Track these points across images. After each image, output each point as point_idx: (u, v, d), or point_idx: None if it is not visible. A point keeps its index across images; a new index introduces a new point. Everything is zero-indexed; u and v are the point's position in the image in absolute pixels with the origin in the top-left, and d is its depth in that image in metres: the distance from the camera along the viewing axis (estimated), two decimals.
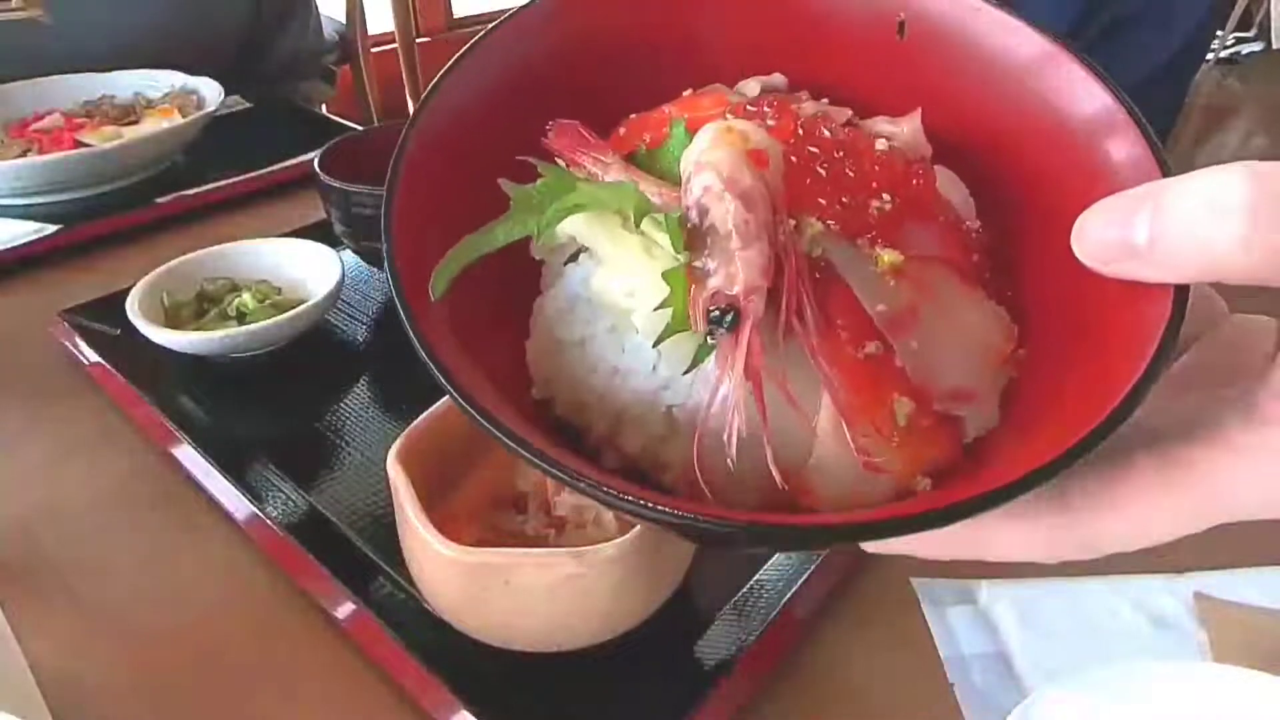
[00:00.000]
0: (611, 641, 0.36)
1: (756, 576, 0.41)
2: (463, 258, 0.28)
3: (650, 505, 0.23)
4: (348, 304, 0.65)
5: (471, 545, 0.34)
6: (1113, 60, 0.91)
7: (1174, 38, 1.01)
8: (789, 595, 0.39)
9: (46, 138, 0.86)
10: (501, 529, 0.39)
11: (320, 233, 0.66)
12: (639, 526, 0.34)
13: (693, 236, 0.26)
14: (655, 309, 0.26)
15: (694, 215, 0.26)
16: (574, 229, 0.29)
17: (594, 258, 0.30)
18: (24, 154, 0.83)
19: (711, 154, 0.27)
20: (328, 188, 0.60)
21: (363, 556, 0.43)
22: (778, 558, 0.42)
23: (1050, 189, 0.28)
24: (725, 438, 0.24)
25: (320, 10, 1.38)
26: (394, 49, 2.82)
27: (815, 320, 0.25)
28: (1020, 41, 0.31)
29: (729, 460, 0.24)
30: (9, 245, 0.73)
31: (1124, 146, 0.27)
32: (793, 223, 0.27)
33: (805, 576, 0.40)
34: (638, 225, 0.27)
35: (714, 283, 0.25)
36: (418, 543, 0.35)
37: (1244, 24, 3.04)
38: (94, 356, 0.58)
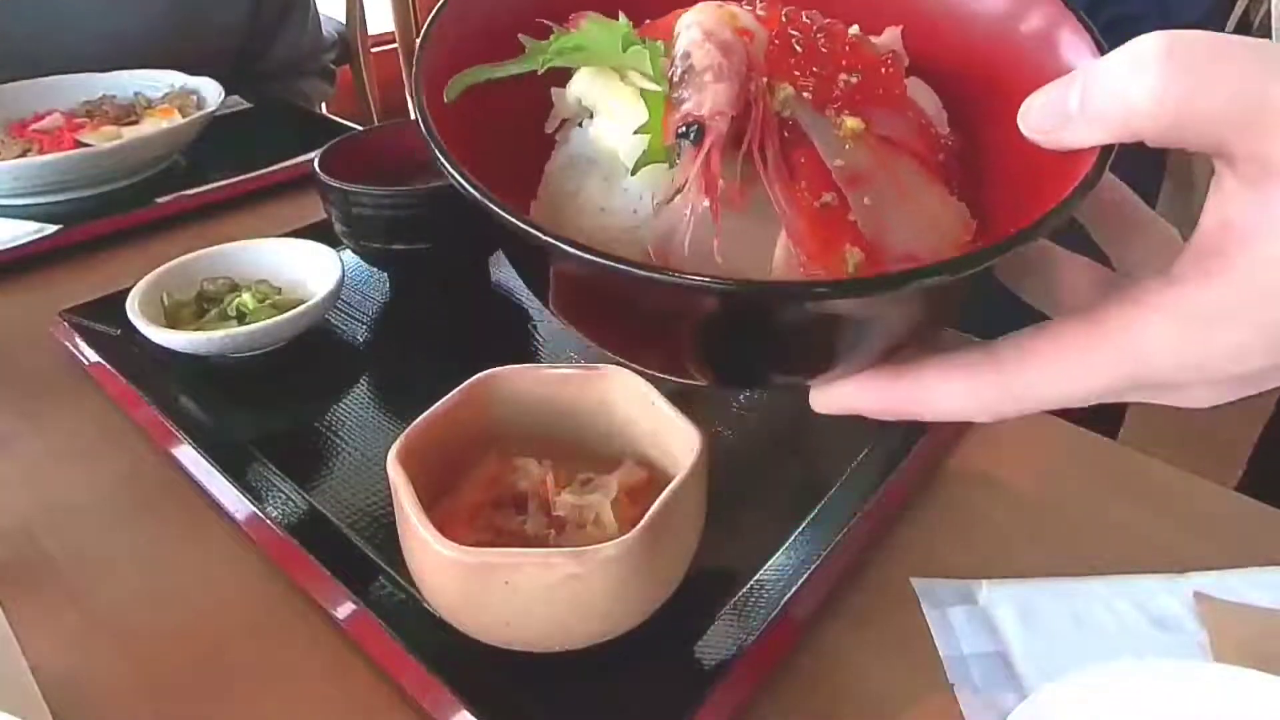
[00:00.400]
0: (611, 641, 0.36)
1: (756, 576, 0.41)
2: (476, 76, 0.31)
3: (633, 265, 0.24)
4: (348, 304, 0.65)
5: (471, 545, 0.34)
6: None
7: None
8: (789, 595, 0.39)
9: (46, 138, 0.86)
10: (501, 529, 0.39)
11: (320, 233, 0.66)
12: (639, 527, 0.34)
13: (675, 86, 0.28)
14: (635, 132, 0.29)
15: (678, 63, 0.29)
16: (579, 89, 0.32)
17: (595, 114, 0.32)
18: (24, 154, 0.83)
19: (699, 15, 0.30)
20: (328, 188, 0.60)
21: (363, 556, 0.43)
22: (778, 558, 0.42)
23: (1012, 100, 0.29)
24: (680, 240, 0.26)
25: (320, 10, 1.38)
26: (394, 49, 2.82)
27: (776, 162, 0.28)
28: None
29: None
30: (9, 245, 0.73)
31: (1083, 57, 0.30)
32: (765, 80, 0.29)
33: (805, 576, 0.40)
34: (624, 50, 0.30)
35: (685, 107, 0.28)
36: (418, 543, 0.35)
37: (1244, 24, 3.05)
38: (94, 356, 0.58)
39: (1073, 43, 0.30)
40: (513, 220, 0.25)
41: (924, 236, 0.29)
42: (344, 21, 2.28)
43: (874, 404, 0.29)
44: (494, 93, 0.31)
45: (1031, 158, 0.28)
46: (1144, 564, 0.42)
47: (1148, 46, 0.24)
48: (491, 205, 0.26)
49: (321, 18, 1.39)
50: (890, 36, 0.34)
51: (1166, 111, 0.24)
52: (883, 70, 0.31)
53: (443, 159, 0.27)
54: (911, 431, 0.50)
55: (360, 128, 0.73)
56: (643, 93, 0.29)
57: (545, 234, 0.25)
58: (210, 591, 0.44)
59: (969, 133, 0.33)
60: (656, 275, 0.24)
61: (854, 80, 0.30)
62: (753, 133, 0.28)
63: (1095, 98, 0.25)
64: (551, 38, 0.31)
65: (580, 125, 0.33)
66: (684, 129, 0.27)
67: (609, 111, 0.31)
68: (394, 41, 2.83)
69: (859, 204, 0.28)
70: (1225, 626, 0.39)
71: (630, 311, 0.29)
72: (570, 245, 0.24)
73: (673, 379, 0.33)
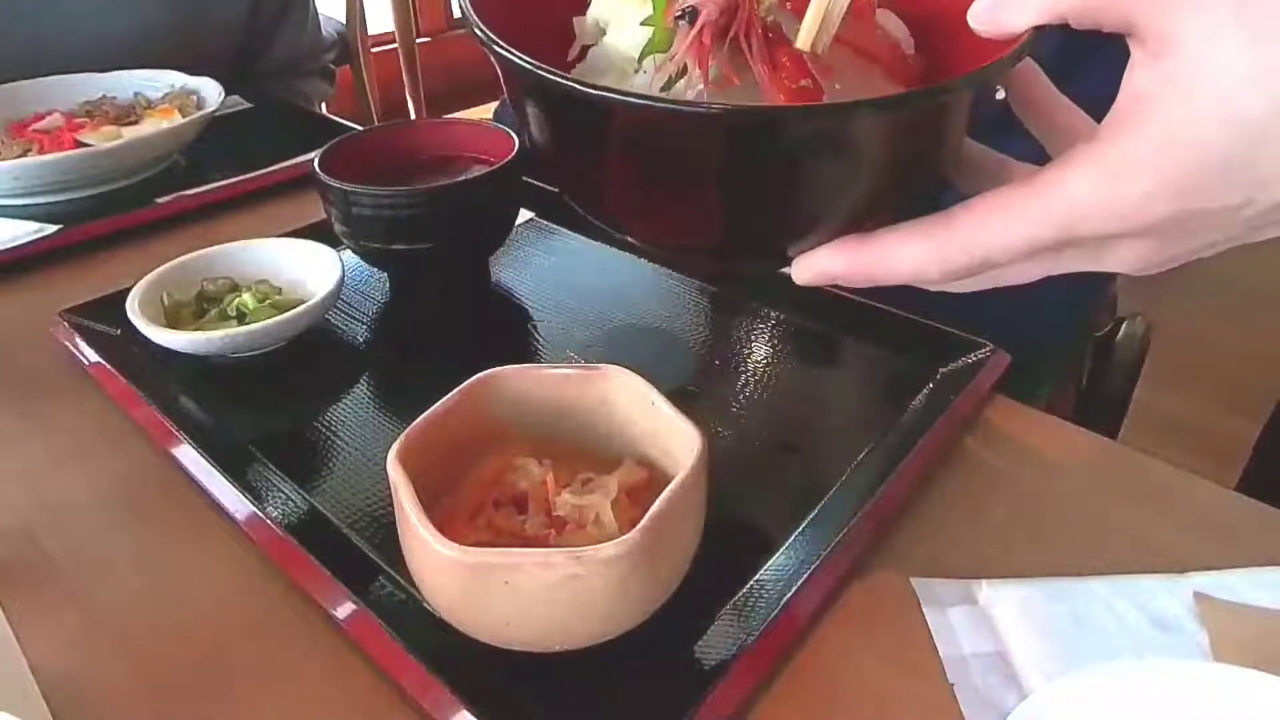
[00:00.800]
0: (611, 641, 0.36)
1: (756, 576, 0.41)
2: None
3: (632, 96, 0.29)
4: (348, 304, 0.65)
5: (471, 545, 0.34)
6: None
7: None
8: (789, 595, 0.40)
9: (46, 138, 0.86)
10: (501, 529, 0.39)
11: (320, 233, 0.66)
12: (639, 527, 0.34)
13: None
14: (641, 24, 0.34)
15: None
16: (596, 11, 0.37)
17: (608, 29, 0.37)
18: (24, 154, 0.83)
19: None
20: (328, 188, 0.60)
21: (363, 556, 0.43)
22: (778, 558, 0.42)
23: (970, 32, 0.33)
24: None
25: (320, 10, 1.37)
26: (394, 49, 2.82)
27: (760, 49, 0.32)
28: None
29: None
30: (9, 245, 0.73)
31: None
32: None
33: (805, 576, 0.40)
34: None
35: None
36: (418, 543, 0.35)
37: None
38: (94, 356, 0.58)
39: None
40: (537, 69, 0.30)
41: None
42: (344, 21, 2.28)
43: (844, 268, 0.33)
44: (521, 22, 0.35)
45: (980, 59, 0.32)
46: (1144, 564, 0.42)
47: None
48: (525, 62, 0.31)
49: (321, 18, 1.39)
50: None
51: None
52: None
53: (481, 31, 0.32)
54: (912, 431, 0.50)
55: (360, 128, 0.73)
56: None
57: (568, 80, 0.30)
58: (210, 591, 0.44)
59: (932, 61, 0.37)
60: (657, 104, 0.29)
61: None
62: (738, 26, 0.32)
63: None
64: None
65: (597, 44, 0.37)
66: (680, 13, 0.33)
67: (622, 21, 0.36)
68: (394, 41, 2.83)
69: (830, 89, 0.33)
70: (1225, 626, 0.39)
71: (636, 164, 0.33)
72: (590, 87, 0.29)
73: (677, 247, 0.42)
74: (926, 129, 0.32)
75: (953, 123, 0.33)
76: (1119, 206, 0.28)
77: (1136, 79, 0.29)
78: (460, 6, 0.34)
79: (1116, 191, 0.28)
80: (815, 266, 0.33)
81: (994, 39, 0.31)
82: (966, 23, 0.32)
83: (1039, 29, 0.30)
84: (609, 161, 0.34)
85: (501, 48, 0.32)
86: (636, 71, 0.34)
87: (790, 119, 0.30)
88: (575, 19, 0.38)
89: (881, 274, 0.32)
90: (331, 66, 1.36)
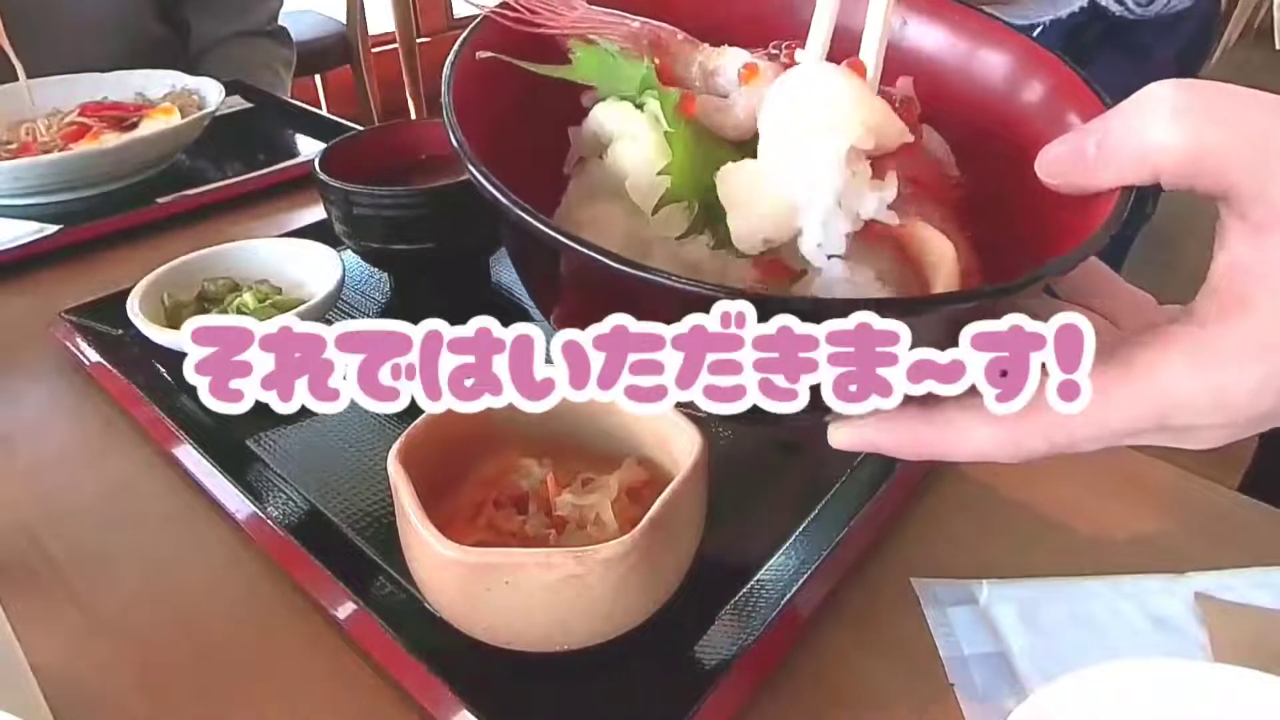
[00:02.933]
0: (611, 641, 0.36)
1: (756, 576, 0.41)
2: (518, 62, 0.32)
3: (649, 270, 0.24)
4: (348, 304, 0.65)
5: (471, 545, 0.34)
6: (1115, 59, 0.91)
7: (1177, 37, 1.01)
8: (789, 595, 0.40)
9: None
10: (501, 529, 0.39)
11: (320, 233, 0.66)
12: (639, 527, 0.34)
13: None
14: (658, 173, 0.29)
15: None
16: (599, 118, 0.32)
17: (615, 140, 0.33)
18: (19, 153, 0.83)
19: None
20: (328, 188, 0.60)
21: (363, 556, 0.43)
22: (778, 558, 0.42)
23: (1021, 152, 0.31)
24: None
25: (320, 10, 1.37)
26: (394, 49, 2.82)
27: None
28: (998, 38, 0.35)
29: None
30: (9, 245, 0.73)
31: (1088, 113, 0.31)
32: None
33: (805, 576, 0.40)
34: (640, 92, 0.31)
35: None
36: (418, 543, 0.35)
37: (1245, 25, 3.04)
38: (95, 356, 0.58)
39: (1079, 96, 0.32)
40: (536, 223, 0.26)
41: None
42: (344, 21, 2.28)
43: (898, 443, 0.29)
44: (510, 134, 0.32)
45: (1040, 204, 0.29)
46: (1144, 564, 0.42)
47: (1160, 91, 0.26)
48: (532, 217, 0.26)
49: (320, 17, 1.38)
50: (903, 84, 0.34)
51: (1182, 150, 0.25)
52: (901, 117, 0.31)
53: (481, 176, 0.27)
54: None
55: (360, 128, 0.73)
56: (666, 134, 0.29)
57: (573, 239, 0.25)
58: (210, 591, 0.44)
59: (975, 181, 0.34)
60: (676, 283, 0.24)
61: None
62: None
63: (1113, 139, 0.27)
64: (577, 52, 0.33)
65: (600, 158, 0.33)
66: None
67: (628, 136, 0.32)
68: (394, 41, 2.83)
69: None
70: (1225, 626, 0.39)
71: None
72: (606, 255, 0.24)
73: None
74: (991, 312, 0.27)
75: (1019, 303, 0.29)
76: (1224, 401, 0.26)
77: (1236, 253, 0.26)
78: (448, 133, 0.29)
79: (1222, 385, 0.26)
80: (861, 437, 0.30)
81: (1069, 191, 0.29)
82: (1006, 139, 0.31)
83: (1129, 190, 0.27)
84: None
85: (498, 189, 0.27)
86: (655, 213, 0.30)
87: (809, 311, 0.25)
88: (571, 130, 0.34)
89: (944, 452, 0.29)
90: (284, 28, 1.35)
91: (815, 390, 0.25)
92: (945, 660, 0.39)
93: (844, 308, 0.24)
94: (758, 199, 0.29)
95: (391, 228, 0.60)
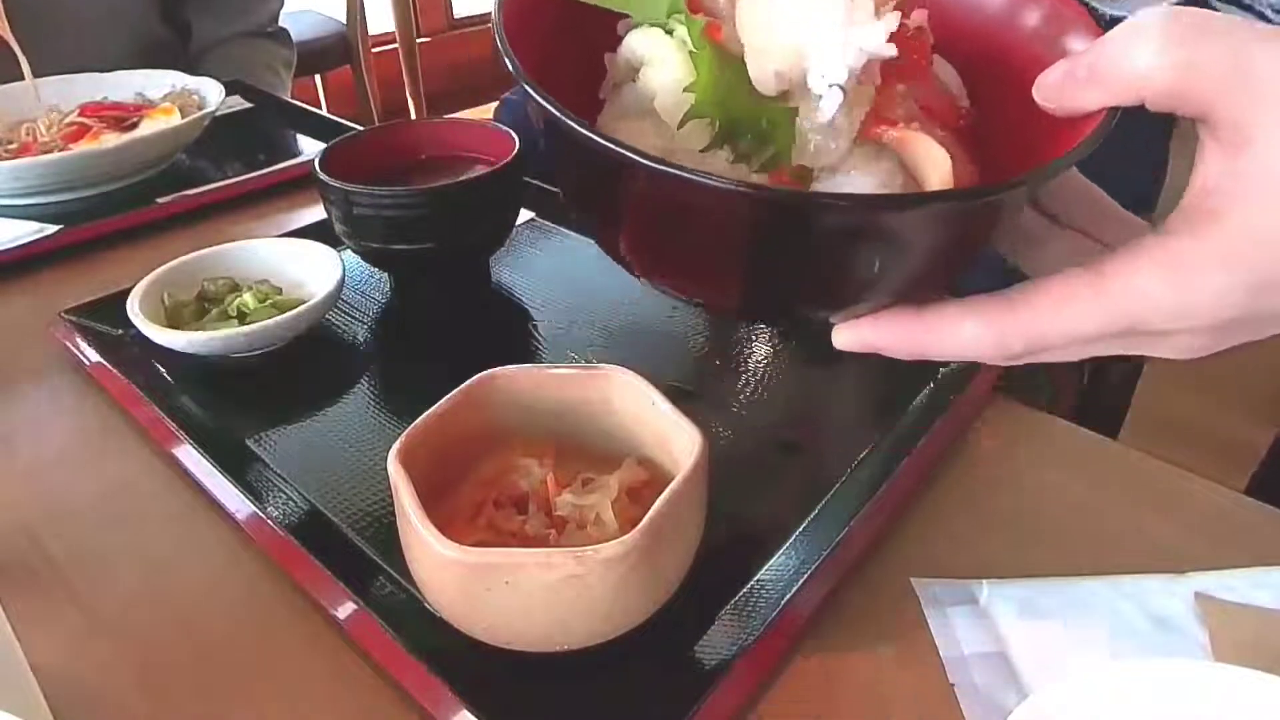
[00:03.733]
0: (611, 641, 0.36)
1: (756, 576, 0.41)
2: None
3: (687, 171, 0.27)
4: (348, 304, 0.65)
5: (472, 545, 0.34)
6: None
7: None
8: (789, 595, 0.40)
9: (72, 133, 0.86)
10: (501, 529, 0.39)
11: (320, 233, 0.66)
12: (639, 527, 0.34)
13: None
14: (684, 90, 0.31)
15: None
16: (631, 45, 0.35)
17: (645, 65, 0.35)
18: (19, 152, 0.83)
19: None
20: (328, 188, 0.60)
21: (363, 556, 0.43)
22: (778, 558, 0.42)
23: (1022, 79, 0.33)
24: None
25: (320, 10, 1.37)
26: (394, 49, 2.82)
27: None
28: None
29: None
30: (9, 245, 0.73)
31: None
32: None
33: (805, 576, 0.40)
34: (667, 15, 0.33)
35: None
36: (418, 542, 0.35)
37: None
38: (95, 356, 0.58)
39: (1075, 25, 0.34)
40: (587, 133, 0.28)
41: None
42: (344, 21, 2.28)
43: (893, 341, 0.32)
44: (552, 61, 0.33)
45: (1037, 128, 0.32)
46: (1144, 564, 0.42)
47: (1149, 19, 0.27)
48: (574, 123, 0.29)
49: (320, 17, 1.38)
50: (918, 16, 0.36)
51: (1166, 74, 0.27)
52: (914, 45, 0.34)
53: (527, 85, 0.30)
54: (912, 431, 0.50)
55: (360, 128, 0.73)
56: (691, 55, 0.32)
57: (624, 147, 0.28)
58: (210, 591, 0.44)
59: (984, 111, 0.36)
60: (712, 181, 0.27)
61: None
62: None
63: (1102, 63, 0.29)
64: None
65: (633, 81, 0.35)
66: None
67: (658, 62, 0.34)
68: (394, 41, 2.83)
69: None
70: (1225, 626, 0.39)
71: (678, 228, 0.32)
72: (645, 157, 0.27)
73: (709, 304, 0.41)
74: (984, 217, 0.31)
75: (1009, 210, 0.32)
76: (1191, 303, 0.28)
77: (1209, 172, 0.28)
78: (496, 41, 0.32)
79: (1190, 288, 0.28)
80: (860, 337, 0.32)
81: (1058, 114, 0.31)
82: (1014, 69, 0.32)
83: (1114, 110, 0.29)
84: (649, 231, 0.34)
85: (537, 93, 0.30)
86: (680, 127, 0.32)
87: (834, 208, 0.28)
88: (607, 56, 0.36)
89: (934, 349, 0.31)
90: (284, 29, 1.35)
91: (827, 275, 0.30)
92: (945, 660, 0.39)
93: (849, 201, 0.29)
94: (771, 37, 0.32)
95: (391, 228, 0.60)
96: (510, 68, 0.31)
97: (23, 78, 0.92)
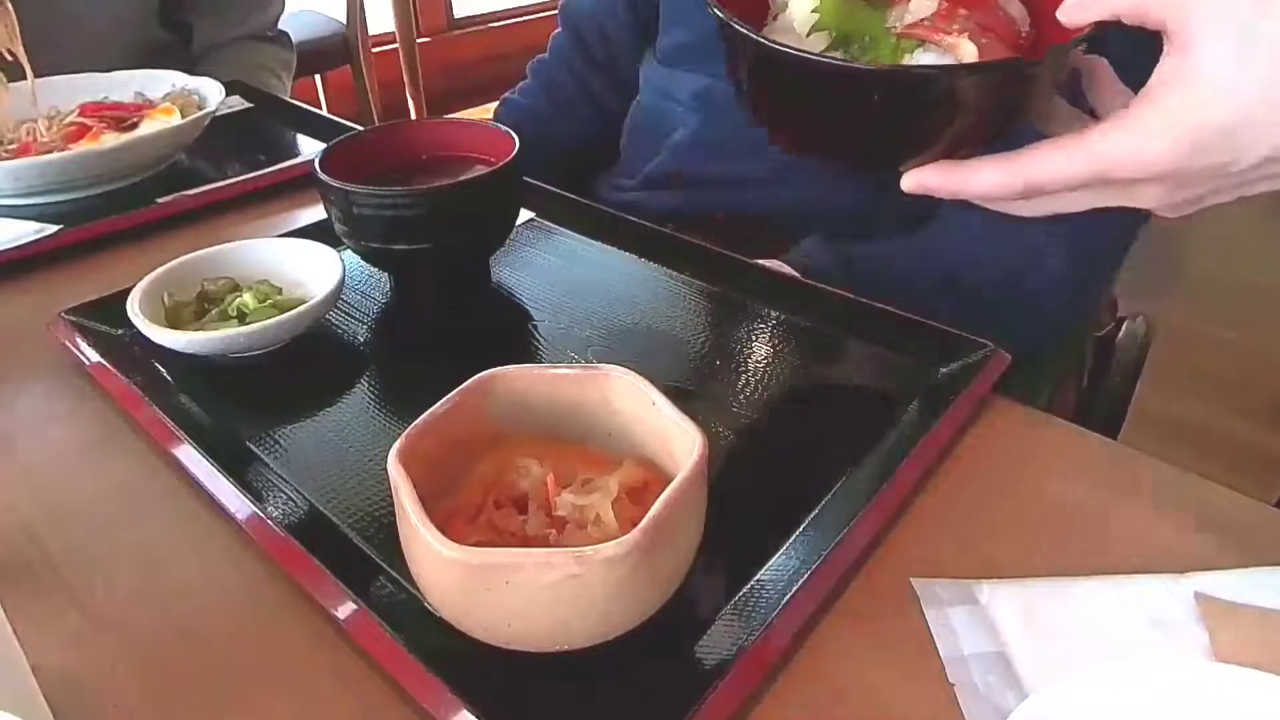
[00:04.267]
0: (611, 641, 0.36)
1: (757, 576, 0.41)
2: None
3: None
4: (348, 304, 0.65)
5: (472, 545, 0.34)
6: (1124, 58, 0.92)
7: None
8: (789, 595, 0.40)
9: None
10: (502, 529, 0.39)
11: (320, 233, 0.66)
12: (639, 527, 0.34)
13: None
14: (811, 10, 0.45)
15: None
16: None
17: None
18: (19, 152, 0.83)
19: None
20: (328, 188, 0.60)
21: (363, 556, 0.43)
22: (778, 558, 0.42)
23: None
24: None
25: (320, 10, 1.37)
26: (394, 49, 2.82)
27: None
28: None
29: None
30: (9, 245, 0.73)
31: None
32: None
33: (805, 576, 0.40)
34: None
35: None
36: (418, 543, 0.35)
37: None
38: (95, 356, 0.58)
39: None
40: (751, 34, 0.43)
41: None
42: (344, 21, 2.28)
43: (939, 183, 0.43)
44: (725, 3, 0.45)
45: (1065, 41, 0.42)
46: (1144, 564, 0.42)
47: None
48: (738, 26, 0.43)
49: (320, 17, 1.38)
50: None
51: None
52: None
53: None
54: (913, 431, 0.50)
55: (360, 128, 0.73)
56: None
57: (774, 42, 0.43)
58: (210, 591, 0.44)
59: (1039, 37, 0.47)
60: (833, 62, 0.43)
61: None
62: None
63: None
64: None
65: (783, 10, 0.48)
66: None
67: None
68: (394, 41, 2.83)
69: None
70: (1225, 626, 0.39)
71: (814, 102, 0.45)
72: (789, 48, 0.42)
73: (831, 157, 0.56)
74: (1012, 90, 0.43)
75: (1029, 87, 0.43)
76: (1143, 157, 0.39)
77: (1164, 66, 0.39)
78: None
79: (1142, 146, 0.39)
80: (919, 179, 0.44)
81: (1071, 28, 0.42)
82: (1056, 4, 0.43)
83: (1099, 24, 0.41)
84: (791, 107, 0.48)
85: (722, 13, 0.44)
86: (807, 36, 0.46)
87: (922, 77, 0.41)
88: None
89: (965, 190, 0.43)
90: (285, 32, 1.35)
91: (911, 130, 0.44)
92: (945, 660, 0.39)
93: (931, 72, 0.42)
94: None
95: (391, 228, 0.60)
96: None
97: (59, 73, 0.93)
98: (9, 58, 0.86)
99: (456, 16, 3.24)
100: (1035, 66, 0.42)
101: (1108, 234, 0.72)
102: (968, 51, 0.43)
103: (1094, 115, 0.45)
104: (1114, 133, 0.39)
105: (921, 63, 0.44)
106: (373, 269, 0.68)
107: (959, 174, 0.43)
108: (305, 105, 1.08)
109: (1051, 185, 0.41)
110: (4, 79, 0.88)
